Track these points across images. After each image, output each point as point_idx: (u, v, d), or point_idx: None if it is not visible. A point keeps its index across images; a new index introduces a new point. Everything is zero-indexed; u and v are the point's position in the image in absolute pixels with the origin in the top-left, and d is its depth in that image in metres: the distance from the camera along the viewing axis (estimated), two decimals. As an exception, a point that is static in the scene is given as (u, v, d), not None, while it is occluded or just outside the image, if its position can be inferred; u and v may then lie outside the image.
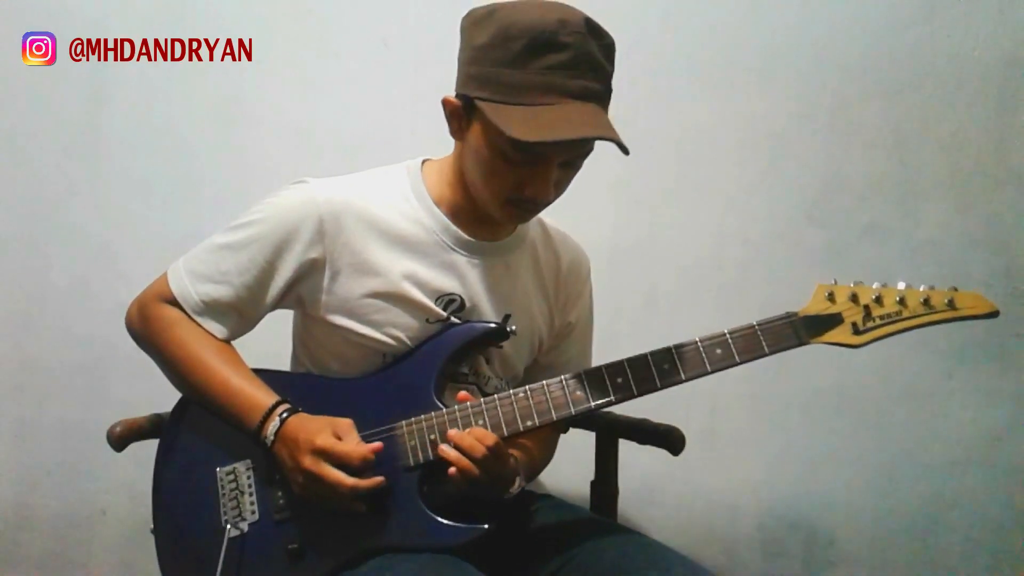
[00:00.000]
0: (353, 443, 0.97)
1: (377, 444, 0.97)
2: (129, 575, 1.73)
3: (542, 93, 0.92)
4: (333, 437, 0.96)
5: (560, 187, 1.02)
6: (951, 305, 0.91)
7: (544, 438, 1.19)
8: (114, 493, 1.74)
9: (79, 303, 1.73)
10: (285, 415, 1.00)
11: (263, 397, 1.02)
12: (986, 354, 1.60)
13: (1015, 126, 1.59)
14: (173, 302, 1.08)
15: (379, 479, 0.96)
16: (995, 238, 1.60)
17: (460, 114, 1.00)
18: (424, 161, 1.13)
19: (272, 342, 1.17)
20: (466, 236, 1.08)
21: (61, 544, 1.76)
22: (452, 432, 0.97)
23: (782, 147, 1.64)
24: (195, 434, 1.09)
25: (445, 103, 1.02)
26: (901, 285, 0.93)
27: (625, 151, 0.93)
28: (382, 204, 1.07)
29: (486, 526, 0.95)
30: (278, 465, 1.01)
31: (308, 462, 0.95)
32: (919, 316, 0.92)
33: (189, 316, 1.07)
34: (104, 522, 1.76)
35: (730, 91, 1.65)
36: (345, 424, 0.99)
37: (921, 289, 0.93)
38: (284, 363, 1.19)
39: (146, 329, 1.10)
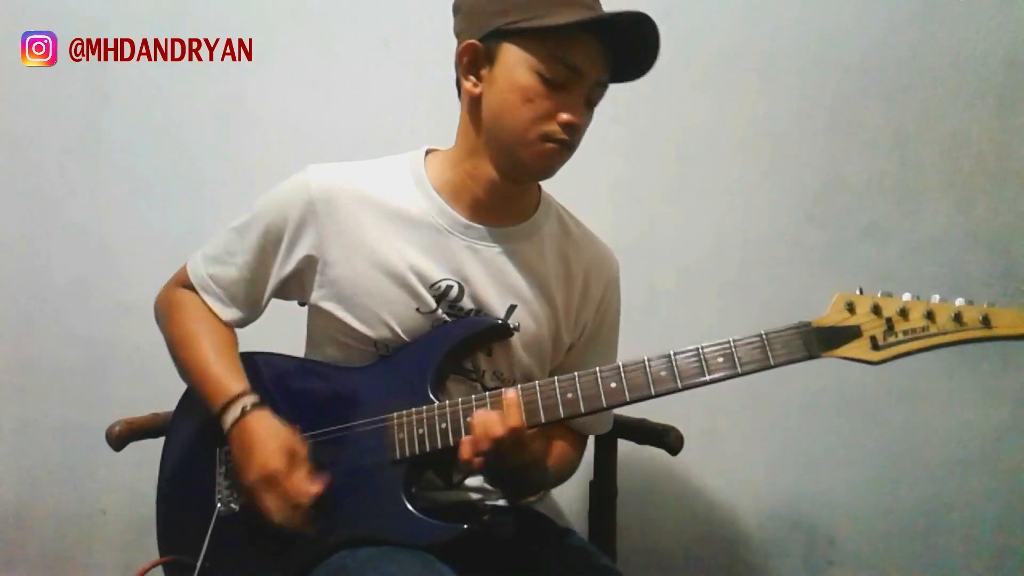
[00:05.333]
0: (301, 481, 0.97)
1: (320, 487, 0.97)
2: (129, 575, 1.74)
3: (568, 5, 0.96)
4: (286, 462, 0.97)
5: (581, 131, 1.03)
6: (986, 323, 0.81)
7: (565, 446, 1.18)
8: (114, 493, 1.74)
9: (79, 303, 1.73)
10: (248, 408, 1.01)
11: (230, 384, 1.04)
12: (986, 354, 1.60)
13: (1015, 126, 1.59)
14: (190, 286, 1.14)
15: (309, 528, 0.97)
16: (995, 238, 1.60)
17: (481, 59, 1.01)
18: (428, 151, 1.13)
19: (284, 340, 1.17)
20: (466, 220, 1.07)
21: (61, 544, 1.76)
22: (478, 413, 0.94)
23: (782, 147, 1.64)
24: (203, 414, 1.11)
25: (465, 50, 1.02)
26: (936, 298, 0.84)
27: (656, 34, 0.98)
28: (378, 186, 1.08)
29: (465, 526, 0.95)
30: (232, 452, 1.02)
31: (256, 482, 0.97)
32: (947, 333, 0.82)
33: (201, 299, 1.12)
34: (104, 522, 1.76)
35: (730, 91, 1.64)
36: (299, 451, 0.99)
37: (953, 304, 0.83)
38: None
39: (161, 311, 1.17)
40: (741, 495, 1.67)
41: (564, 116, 0.98)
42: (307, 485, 0.97)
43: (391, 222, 1.06)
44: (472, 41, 1.00)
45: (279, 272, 1.09)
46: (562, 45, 0.96)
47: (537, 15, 0.96)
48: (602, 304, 1.17)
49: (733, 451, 1.67)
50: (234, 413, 1.01)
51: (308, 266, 1.08)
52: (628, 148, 1.65)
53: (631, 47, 0.99)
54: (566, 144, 1.01)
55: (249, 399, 1.02)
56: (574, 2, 0.97)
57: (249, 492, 1.00)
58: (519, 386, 0.97)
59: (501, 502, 1.14)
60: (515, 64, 0.98)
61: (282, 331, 1.16)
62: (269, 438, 0.99)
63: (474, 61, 1.02)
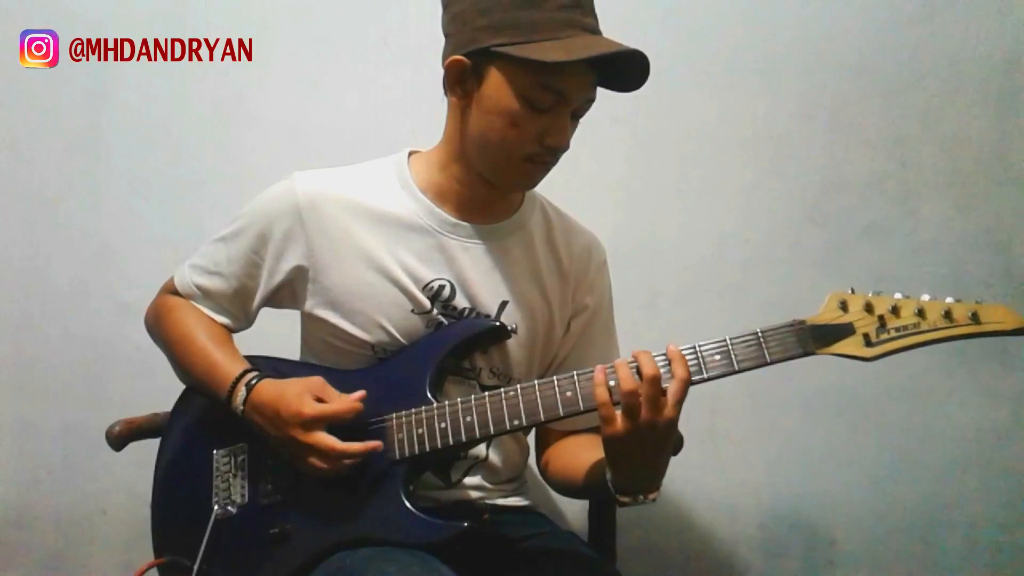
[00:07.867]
0: (338, 400, 0.98)
1: (361, 392, 0.98)
2: (129, 575, 1.74)
3: (563, 27, 0.95)
4: (315, 401, 0.97)
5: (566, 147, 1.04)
6: (975, 319, 0.84)
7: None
8: (114, 493, 1.74)
9: (79, 303, 1.73)
10: (253, 382, 1.01)
11: (232, 367, 1.04)
12: (986, 354, 1.60)
13: (1015, 126, 1.59)
14: (178, 293, 1.14)
15: (376, 444, 0.97)
16: (995, 238, 1.60)
17: (468, 75, 1.00)
18: (411, 153, 1.13)
19: (278, 345, 1.17)
20: (454, 219, 1.08)
21: (62, 544, 1.76)
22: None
23: (782, 147, 1.64)
24: (199, 415, 1.12)
25: (452, 65, 1.00)
26: (925, 297, 0.86)
27: (646, 63, 0.96)
28: (364, 190, 1.08)
29: (465, 524, 0.95)
30: (255, 433, 1.02)
31: (300, 434, 0.96)
32: (938, 330, 0.85)
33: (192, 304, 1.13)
34: (104, 522, 1.76)
35: (730, 91, 1.64)
36: (318, 383, 0.99)
37: (943, 301, 0.86)
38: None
39: (152, 317, 1.16)
40: (741, 495, 1.67)
41: (550, 141, 0.99)
42: (349, 401, 0.97)
43: (380, 226, 1.06)
44: (459, 58, 0.99)
45: (268, 282, 1.09)
46: (552, 75, 0.95)
47: (527, 39, 0.94)
48: (594, 290, 1.17)
49: (733, 451, 1.67)
50: (242, 393, 1.01)
51: (299, 276, 1.08)
52: (629, 148, 1.65)
53: (622, 72, 0.99)
54: (549, 163, 1.04)
55: (253, 374, 1.03)
56: (565, 22, 0.96)
57: (294, 454, 0.98)
58: (519, 385, 0.98)
59: (501, 501, 1.15)
60: (502, 87, 0.97)
61: (276, 336, 1.16)
62: (287, 393, 0.98)
63: (460, 77, 1.01)
